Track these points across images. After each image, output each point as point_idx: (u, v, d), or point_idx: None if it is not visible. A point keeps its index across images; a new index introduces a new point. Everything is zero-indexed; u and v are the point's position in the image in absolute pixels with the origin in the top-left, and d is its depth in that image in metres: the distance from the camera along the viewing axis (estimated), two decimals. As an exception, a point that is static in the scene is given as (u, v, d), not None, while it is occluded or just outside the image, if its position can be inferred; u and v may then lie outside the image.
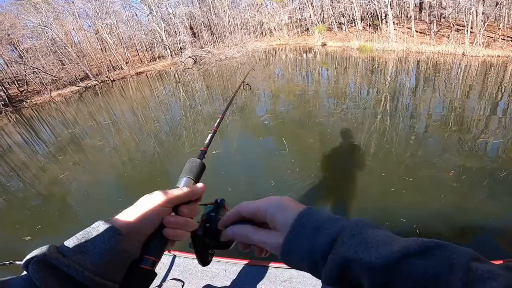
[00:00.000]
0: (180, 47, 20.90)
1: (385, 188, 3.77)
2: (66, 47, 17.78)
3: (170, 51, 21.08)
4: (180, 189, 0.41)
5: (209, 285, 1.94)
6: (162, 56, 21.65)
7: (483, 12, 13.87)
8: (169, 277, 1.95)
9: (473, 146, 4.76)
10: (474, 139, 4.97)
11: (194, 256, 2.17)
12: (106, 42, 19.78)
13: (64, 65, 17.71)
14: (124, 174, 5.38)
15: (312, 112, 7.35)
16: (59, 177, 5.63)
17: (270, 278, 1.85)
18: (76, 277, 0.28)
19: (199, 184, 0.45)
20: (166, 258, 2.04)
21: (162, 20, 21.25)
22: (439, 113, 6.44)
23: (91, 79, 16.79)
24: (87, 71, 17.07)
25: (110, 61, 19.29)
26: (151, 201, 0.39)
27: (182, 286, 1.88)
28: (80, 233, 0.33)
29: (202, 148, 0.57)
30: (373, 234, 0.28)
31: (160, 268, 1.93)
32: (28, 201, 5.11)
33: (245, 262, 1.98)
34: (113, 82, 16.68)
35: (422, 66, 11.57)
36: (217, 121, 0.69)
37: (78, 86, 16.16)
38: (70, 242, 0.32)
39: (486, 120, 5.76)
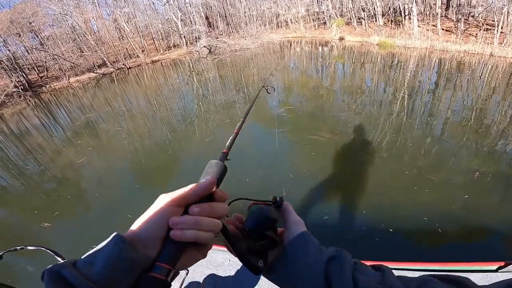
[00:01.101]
0: (195, 37, 20.89)
1: (401, 185, 3.68)
2: (86, 35, 18.15)
3: (186, 40, 21.11)
4: (186, 187, 0.39)
5: (213, 274, 1.96)
6: (177, 45, 21.73)
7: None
8: None
9: (492, 149, 4.51)
10: (494, 142, 4.71)
11: None
12: (124, 30, 20.03)
13: (82, 52, 18.13)
14: (141, 161, 5.44)
15: (325, 106, 7.20)
16: (76, 161, 5.79)
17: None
18: (78, 287, 0.28)
19: (208, 179, 0.41)
20: None
21: (179, 9, 21.23)
22: (459, 113, 6.13)
23: (108, 66, 17.13)
24: (105, 59, 17.41)
25: (127, 49, 19.57)
26: (157, 203, 0.37)
27: (186, 273, 1.91)
28: (99, 245, 0.33)
29: (224, 150, 0.53)
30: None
31: None
32: (45, 185, 5.26)
33: None
34: (129, 69, 16.96)
35: (445, 65, 11.01)
36: (238, 124, 0.66)
37: (96, 73, 16.54)
38: (87, 254, 0.32)
39: (508, 124, 5.42)
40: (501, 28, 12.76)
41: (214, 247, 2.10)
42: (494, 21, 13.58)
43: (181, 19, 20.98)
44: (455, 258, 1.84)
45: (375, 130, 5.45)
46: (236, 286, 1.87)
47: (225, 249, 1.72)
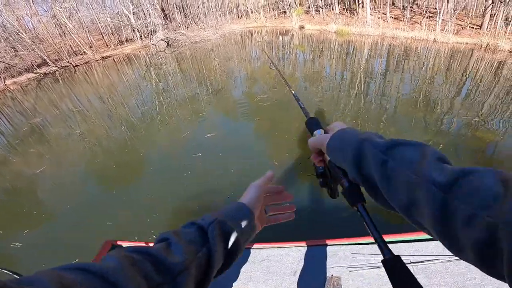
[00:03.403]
0: (151, 30, 19.52)
1: None
2: (19, 33, 15.98)
3: (140, 34, 19.63)
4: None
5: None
6: (131, 39, 20.13)
7: (454, 0, 14.29)
8: None
9: (439, 124, 4.92)
10: (439, 118, 5.13)
11: None
12: (65, 26, 17.95)
13: (17, 51, 15.97)
14: (109, 165, 4.92)
15: (288, 93, 7.20)
16: (34, 172, 5.01)
17: (249, 259, 1.90)
18: (236, 233, 0.43)
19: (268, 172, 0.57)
20: None
21: (130, 2, 19.57)
22: (408, 94, 6.58)
23: (49, 65, 15.27)
24: (45, 57, 15.48)
25: (70, 45, 17.61)
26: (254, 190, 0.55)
27: None
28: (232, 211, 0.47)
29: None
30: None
31: None
32: (5, 201, 4.51)
33: None
34: (75, 67, 15.31)
35: (395, 51, 11.77)
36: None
37: (36, 73, 14.65)
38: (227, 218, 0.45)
39: (450, 102, 5.96)
40: (442, 15, 13.97)
41: None
42: (436, 9, 14.83)
43: (133, 12, 19.40)
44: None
45: (337, 112, 5.61)
46: (217, 280, 1.75)
47: None
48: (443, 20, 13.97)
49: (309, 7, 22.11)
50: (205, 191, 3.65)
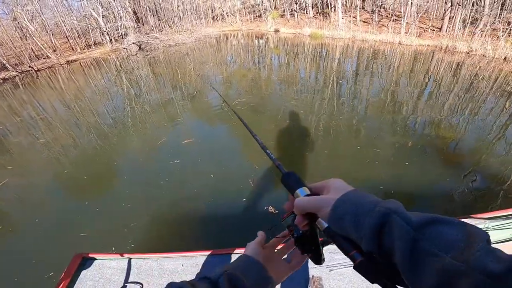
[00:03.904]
0: (122, 33, 18.73)
1: (332, 164, 3.99)
2: (-26, 36, 14.61)
3: (109, 37, 18.75)
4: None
5: (173, 282, 1.69)
6: (99, 42, 19.15)
7: (417, 4, 15.30)
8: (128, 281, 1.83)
9: (405, 124, 5.19)
10: (406, 118, 5.42)
11: (149, 256, 1.85)
12: (27, 29, 16.72)
13: (-28, 56, 14.53)
14: (64, 171, 4.57)
15: (264, 97, 7.23)
16: None
17: (227, 264, 1.79)
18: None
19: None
20: (122, 262, 1.95)
21: (100, 5, 18.64)
22: (376, 95, 6.89)
23: (9, 70, 14.08)
24: (4, 62, 14.26)
25: (32, 49, 16.38)
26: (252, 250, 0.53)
27: (141, 287, 1.78)
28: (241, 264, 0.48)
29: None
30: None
31: (118, 274, 1.88)
32: None
33: (205, 253, 1.96)
34: (37, 72, 14.25)
35: (364, 53, 12.31)
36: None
37: (-8, 78, 13.40)
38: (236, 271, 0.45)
39: (415, 103, 6.32)
40: (406, 18, 14.88)
41: (162, 254, 1.97)
42: (401, 12, 15.76)
43: (103, 15, 18.50)
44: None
45: (312, 114, 5.72)
46: None
47: (174, 254, 1.63)
48: (407, 23, 14.88)
49: (284, 11, 22.53)
50: (184, 198, 3.53)
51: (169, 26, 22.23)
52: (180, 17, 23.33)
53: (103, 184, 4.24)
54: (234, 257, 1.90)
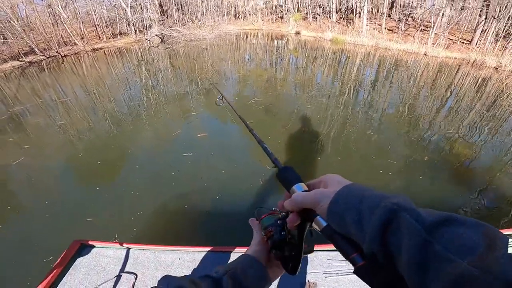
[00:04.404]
0: (146, 25, 19.24)
1: (344, 171, 3.82)
2: (11, 21, 15.58)
3: (135, 28, 19.31)
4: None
5: (168, 275, 1.70)
6: (125, 33, 19.75)
7: (449, 15, 14.66)
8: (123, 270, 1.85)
9: (421, 138, 4.98)
10: (422, 132, 5.20)
11: (147, 247, 1.84)
12: (59, 16, 17.51)
13: (6, 39, 15.51)
14: (79, 155, 4.73)
15: (279, 98, 7.17)
16: (11, 163, 4.69)
17: (223, 264, 1.78)
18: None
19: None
20: (120, 252, 1.95)
21: (129, -5, 19.24)
22: (394, 106, 6.65)
23: (37, 54, 14.83)
24: (33, 46, 15.04)
25: (61, 35, 17.14)
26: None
27: (135, 278, 1.78)
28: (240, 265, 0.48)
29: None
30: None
31: (113, 263, 1.88)
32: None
33: (204, 249, 1.95)
34: (64, 57, 14.90)
35: (386, 62, 11.94)
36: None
37: (21, 61, 14.19)
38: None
39: (433, 117, 6.05)
40: (436, 29, 14.30)
41: (161, 246, 1.98)
42: (430, 22, 15.17)
43: (131, 6, 19.08)
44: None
45: (325, 120, 5.60)
46: None
47: (173, 248, 1.62)
48: (435, 34, 14.30)
49: (307, 13, 22.29)
50: (193, 191, 3.56)
51: (192, 21, 22.59)
52: (203, 12, 23.65)
53: (115, 171, 4.34)
54: (233, 256, 1.89)
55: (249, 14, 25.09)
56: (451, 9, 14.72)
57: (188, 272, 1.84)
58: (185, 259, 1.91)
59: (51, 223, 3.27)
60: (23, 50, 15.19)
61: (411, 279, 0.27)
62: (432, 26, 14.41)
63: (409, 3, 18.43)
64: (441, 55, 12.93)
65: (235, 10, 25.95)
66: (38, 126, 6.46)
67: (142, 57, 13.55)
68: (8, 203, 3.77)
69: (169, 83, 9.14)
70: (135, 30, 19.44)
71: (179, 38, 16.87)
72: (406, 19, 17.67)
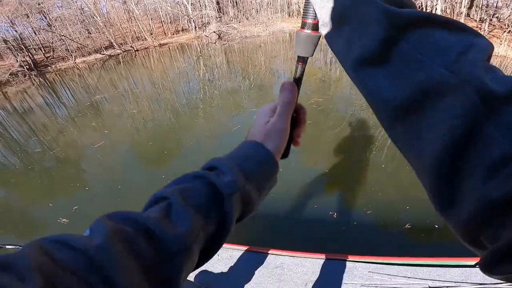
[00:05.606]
0: (205, 22, 20.45)
1: (392, 181, 3.62)
2: (94, 16, 18.01)
3: (195, 24, 20.71)
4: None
5: (205, 270, 1.95)
6: (186, 29, 21.33)
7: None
8: None
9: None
10: None
11: None
12: (133, 12, 19.74)
13: (90, 33, 18.00)
14: (149, 144, 5.25)
15: (331, 99, 6.96)
16: (92, 146, 5.40)
17: (263, 264, 1.93)
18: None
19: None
20: None
21: (190, -7, 20.72)
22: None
23: (115, 48, 16.99)
24: (112, 40, 17.24)
25: (135, 31, 19.33)
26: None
27: None
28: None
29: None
30: None
31: None
32: (61, 173, 4.80)
33: (242, 248, 2.03)
34: (136, 52, 16.79)
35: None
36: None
37: (103, 54, 16.43)
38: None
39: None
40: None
41: None
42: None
43: (191, 3, 20.51)
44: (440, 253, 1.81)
45: (381, 126, 5.25)
46: (228, 282, 1.86)
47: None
48: (529, 35, 12.01)
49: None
50: None
51: (246, 18, 23.16)
52: (257, 9, 24.03)
53: (179, 161, 4.71)
54: (267, 257, 1.93)
55: (304, 11, 24.60)
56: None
57: (224, 269, 1.90)
58: (223, 256, 1.96)
59: (122, 208, 3.74)
60: (104, 44, 17.56)
61: (373, 72, 0.24)
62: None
63: (493, 3, 15.80)
64: (535, 59, 10.83)
65: (288, 7, 25.73)
66: (112, 113, 7.45)
67: (201, 53, 14.49)
68: (86, 184, 4.33)
69: (223, 78, 9.59)
70: (195, 27, 20.82)
71: (234, 34, 17.52)
72: (490, 20, 15.18)
